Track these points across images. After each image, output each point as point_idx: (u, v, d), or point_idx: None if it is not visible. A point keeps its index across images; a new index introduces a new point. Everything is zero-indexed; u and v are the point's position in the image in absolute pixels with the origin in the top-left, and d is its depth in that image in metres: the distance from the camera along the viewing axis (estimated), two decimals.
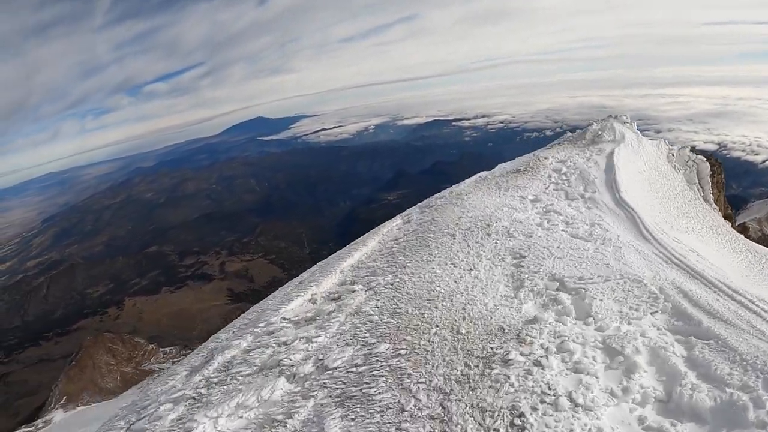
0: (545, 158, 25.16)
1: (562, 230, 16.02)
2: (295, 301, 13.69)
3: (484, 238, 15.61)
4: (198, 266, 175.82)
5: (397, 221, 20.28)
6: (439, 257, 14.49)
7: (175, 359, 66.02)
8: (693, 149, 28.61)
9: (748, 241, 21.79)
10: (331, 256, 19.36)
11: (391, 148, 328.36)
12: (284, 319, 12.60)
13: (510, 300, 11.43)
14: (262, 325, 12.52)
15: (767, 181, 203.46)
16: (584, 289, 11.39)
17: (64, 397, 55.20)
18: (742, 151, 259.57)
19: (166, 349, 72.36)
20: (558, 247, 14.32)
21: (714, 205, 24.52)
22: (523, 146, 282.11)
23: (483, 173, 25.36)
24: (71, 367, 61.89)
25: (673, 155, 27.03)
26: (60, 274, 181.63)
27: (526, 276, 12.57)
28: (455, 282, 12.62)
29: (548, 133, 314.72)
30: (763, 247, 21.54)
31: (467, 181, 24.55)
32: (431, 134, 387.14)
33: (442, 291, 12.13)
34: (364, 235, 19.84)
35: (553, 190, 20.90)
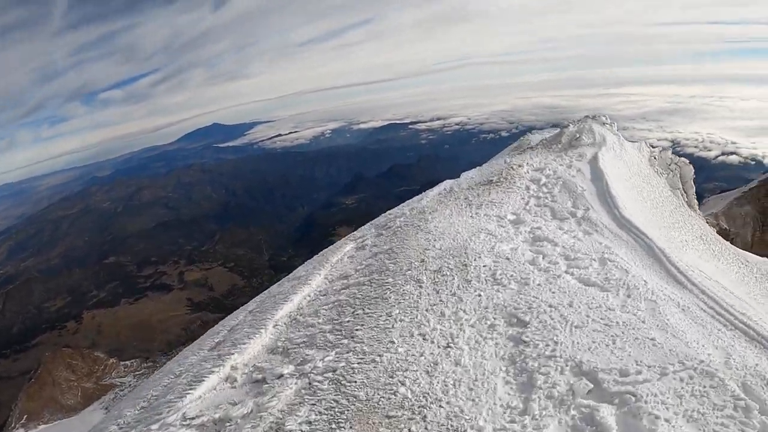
0: (519, 166, 21.46)
1: (566, 271, 12.20)
2: (207, 381, 10.25)
3: (461, 286, 11.74)
4: (157, 276, 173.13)
5: (348, 247, 16.78)
6: (401, 321, 10.60)
7: (136, 372, 65.29)
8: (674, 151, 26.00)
9: (734, 247, 19.83)
10: (269, 291, 16.11)
11: (348, 152, 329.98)
12: (185, 420, 9.13)
13: (519, 418, 7.40)
14: (155, 427, 9.14)
15: (721, 176, 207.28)
16: (634, 395, 7.37)
17: (25, 416, 54.83)
18: (696, 147, 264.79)
19: (126, 362, 73.80)
20: (570, 305, 10.36)
21: (699, 212, 23.41)
22: (480, 148, 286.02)
23: (447, 183, 21.92)
24: (30, 384, 61.26)
25: (655, 158, 24.38)
26: (16, 288, 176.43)
27: (536, 365, 8.56)
28: (427, 373, 8.73)
29: (504, 134, 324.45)
30: (750, 254, 19.68)
31: (430, 193, 21.06)
32: (387, 137, 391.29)
33: (409, 395, 8.16)
34: (310, 263, 16.79)
35: (535, 206, 17.35)
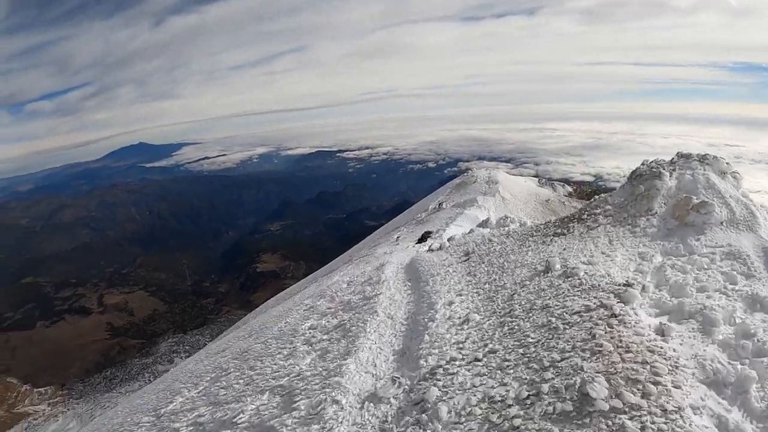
0: (611, 316, 7.51)
1: None
2: None
3: None
4: (75, 299, 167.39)
5: None
6: None
7: (51, 400, 63.31)
8: None
9: None
10: None
11: (276, 178, 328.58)
12: None
13: None
14: None
15: None
16: None
17: None
18: (617, 182, 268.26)
19: (41, 389, 69.85)
20: None
21: None
22: (407, 177, 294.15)
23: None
24: None
25: None
26: None
27: None
28: None
29: (431, 164, 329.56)
30: None
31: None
32: (315, 165, 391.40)
33: None
34: None
35: None
